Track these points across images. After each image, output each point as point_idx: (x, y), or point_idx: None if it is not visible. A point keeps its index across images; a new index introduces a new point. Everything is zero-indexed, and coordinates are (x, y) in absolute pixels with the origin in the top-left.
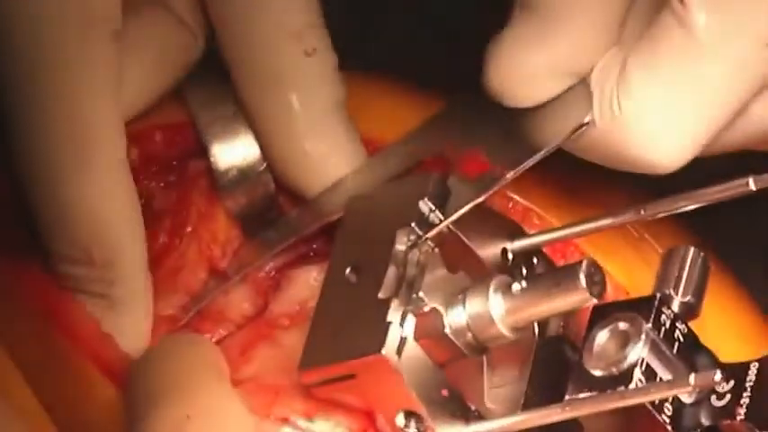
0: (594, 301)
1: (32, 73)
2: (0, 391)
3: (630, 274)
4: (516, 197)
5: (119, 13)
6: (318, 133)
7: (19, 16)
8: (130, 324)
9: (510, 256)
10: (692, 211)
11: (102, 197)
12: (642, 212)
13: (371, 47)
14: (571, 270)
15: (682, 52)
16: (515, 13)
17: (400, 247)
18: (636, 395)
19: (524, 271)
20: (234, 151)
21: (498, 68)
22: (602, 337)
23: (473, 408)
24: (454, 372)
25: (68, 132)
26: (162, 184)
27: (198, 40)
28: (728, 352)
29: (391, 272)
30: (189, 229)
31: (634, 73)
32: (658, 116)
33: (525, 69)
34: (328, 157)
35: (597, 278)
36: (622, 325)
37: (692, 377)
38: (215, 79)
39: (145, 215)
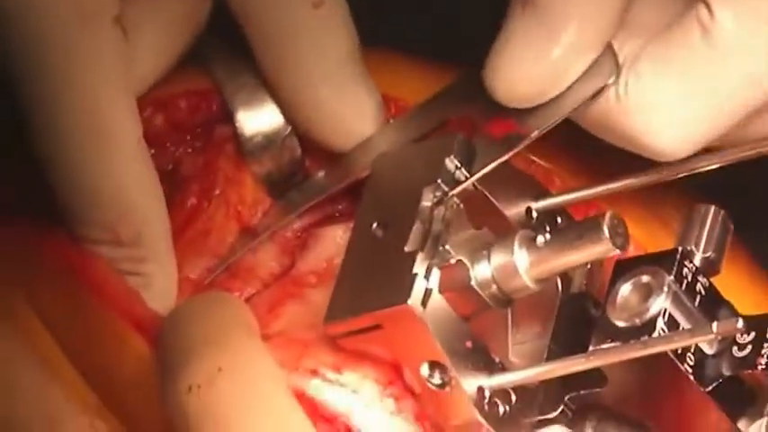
0: (617, 251)
1: (40, 70)
2: (33, 352)
3: (651, 236)
4: (539, 160)
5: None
6: (333, 82)
7: (16, 17)
8: (158, 283)
9: (534, 214)
10: (705, 180)
11: (123, 178)
12: (664, 172)
13: (387, 24)
14: (594, 222)
15: (700, 56)
16: (513, 13)
17: (426, 203)
18: (659, 343)
19: (548, 229)
20: (259, 118)
21: (503, 76)
22: (625, 289)
23: (497, 360)
24: (479, 326)
25: (83, 121)
26: (189, 150)
27: (204, 1)
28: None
29: (417, 227)
30: (217, 192)
31: (647, 65)
32: (661, 108)
33: (530, 74)
34: (345, 104)
35: (620, 230)
36: (645, 278)
37: (714, 325)
38: (239, 46)
39: (173, 180)
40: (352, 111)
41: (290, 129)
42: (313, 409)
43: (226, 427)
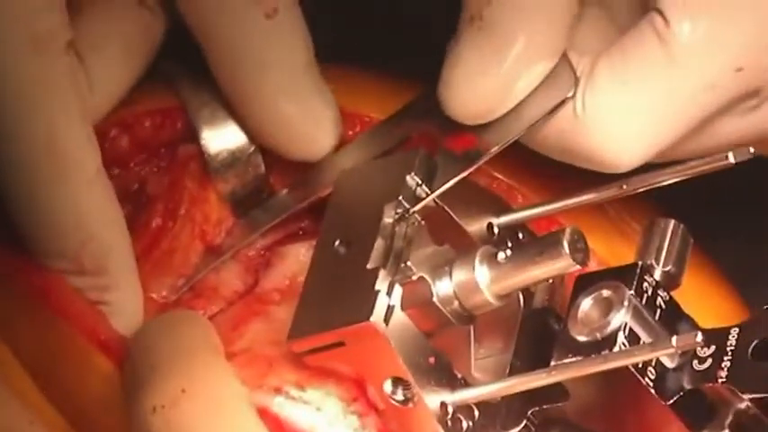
0: (578, 267)
1: None
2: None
3: (612, 250)
4: (501, 176)
5: (66, 24)
6: (289, 94)
7: None
8: (124, 310)
9: (496, 230)
10: (667, 192)
11: (83, 208)
12: (624, 187)
13: (353, 40)
14: (555, 237)
15: (655, 65)
16: (462, 28)
17: (388, 219)
18: (619, 357)
19: (509, 245)
20: (223, 135)
21: (455, 92)
22: (585, 304)
23: (459, 376)
24: (442, 342)
25: (39, 152)
26: (155, 169)
27: (159, 19)
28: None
29: (379, 243)
30: (182, 211)
31: (603, 76)
32: (621, 120)
33: (480, 90)
34: (302, 116)
35: (580, 245)
36: (605, 292)
37: (674, 339)
38: (203, 64)
39: (138, 200)
40: (310, 122)
41: (254, 147)
42: (277, 427)
43: None
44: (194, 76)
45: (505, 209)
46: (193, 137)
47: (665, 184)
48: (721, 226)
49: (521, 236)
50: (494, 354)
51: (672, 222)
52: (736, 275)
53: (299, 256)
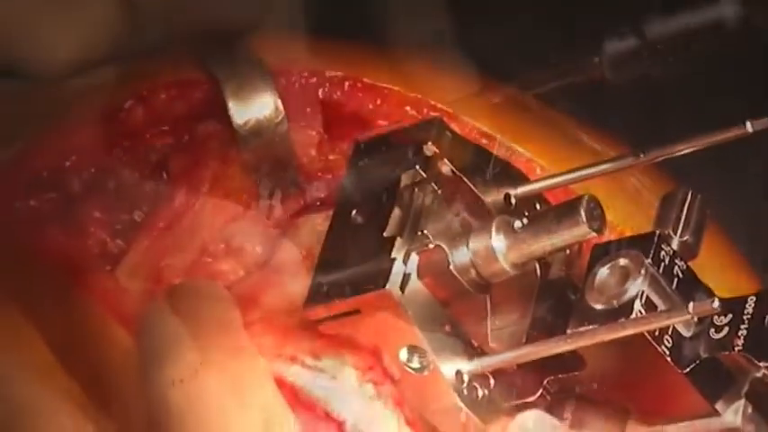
0: (594, 234)
1: None
2: (14, 347)
3: (629, 222)
4: (520, 149)
5: None
6: None
7: None
8: None
9: (513, 201)
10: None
11: None
12: (642, 157)
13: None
14: (571, 205)
15: None
16: None
17: (405, 188)
18: (636, 325)
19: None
20: (251, 105)
21: None
22: (603, 272)
23: (475, 344)
24: (458, 311)
25: None
26: (175, 145)
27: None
28: None
29: (396, 212)
30: (204, 189)
31: None
32: None
33: None
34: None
35: (597, 213)
36: (623, 261)
37: (690, 305)
38: (231, 37)
39: (159, 176)
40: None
41: (281, 116)
42: (293, 396)
43: (208, 420)
44: (221, 50)
45: (523, 180)
46: (211, 113)
47: (682, 153)
48: (737, 198)
49: (538, 207)
50: (510, 323)
51: (690, 193)
52: (751, 249)
53: (315, 227)
